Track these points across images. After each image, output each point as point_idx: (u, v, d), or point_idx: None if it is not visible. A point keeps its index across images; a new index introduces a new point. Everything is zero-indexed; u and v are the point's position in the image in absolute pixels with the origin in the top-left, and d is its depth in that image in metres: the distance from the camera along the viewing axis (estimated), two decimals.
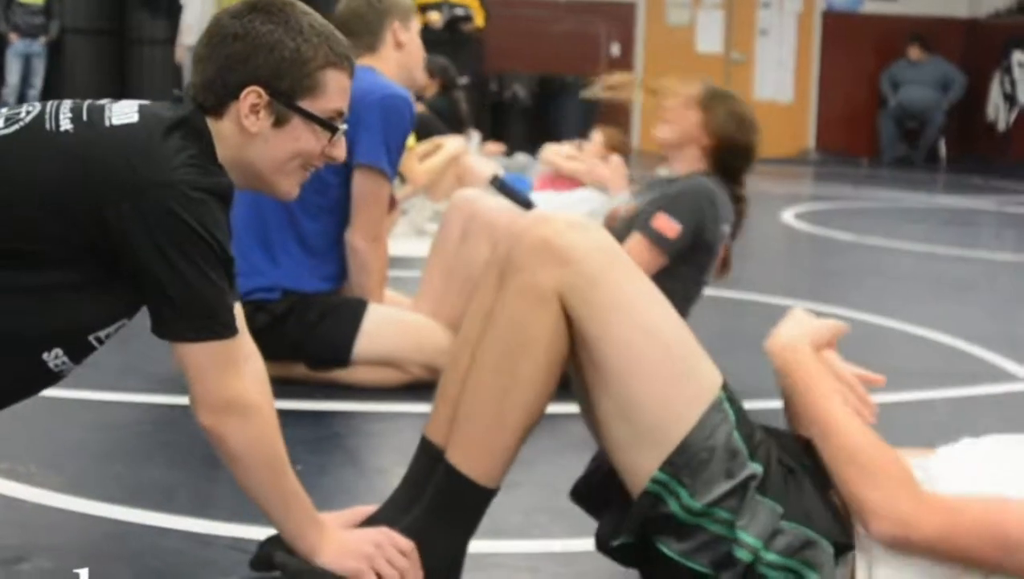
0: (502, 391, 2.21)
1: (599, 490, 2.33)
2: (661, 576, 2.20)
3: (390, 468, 3.26)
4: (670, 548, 2.14)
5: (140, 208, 2.07)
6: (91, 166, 2.10)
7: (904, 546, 2.09)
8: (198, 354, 2.14)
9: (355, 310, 3.92)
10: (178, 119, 2.17)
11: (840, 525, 2.15)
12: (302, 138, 2.25)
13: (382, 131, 3.90)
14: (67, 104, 2.21)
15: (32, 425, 2.75)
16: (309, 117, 2.24)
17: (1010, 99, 16.03)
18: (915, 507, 2.07)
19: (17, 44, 12.94)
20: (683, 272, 3.97)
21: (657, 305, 2.23)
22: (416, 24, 4.20)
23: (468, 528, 2.28)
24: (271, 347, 3.80)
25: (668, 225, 3.91)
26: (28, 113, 2.20)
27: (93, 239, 2.10)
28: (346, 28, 4.12)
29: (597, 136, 7.92)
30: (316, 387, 3.86)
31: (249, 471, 2.20)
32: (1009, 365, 4.53)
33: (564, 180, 7.97)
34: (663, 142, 4.10)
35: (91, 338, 2.21)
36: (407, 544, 2.25)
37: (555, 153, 7.84)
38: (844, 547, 2.14)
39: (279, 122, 2.23)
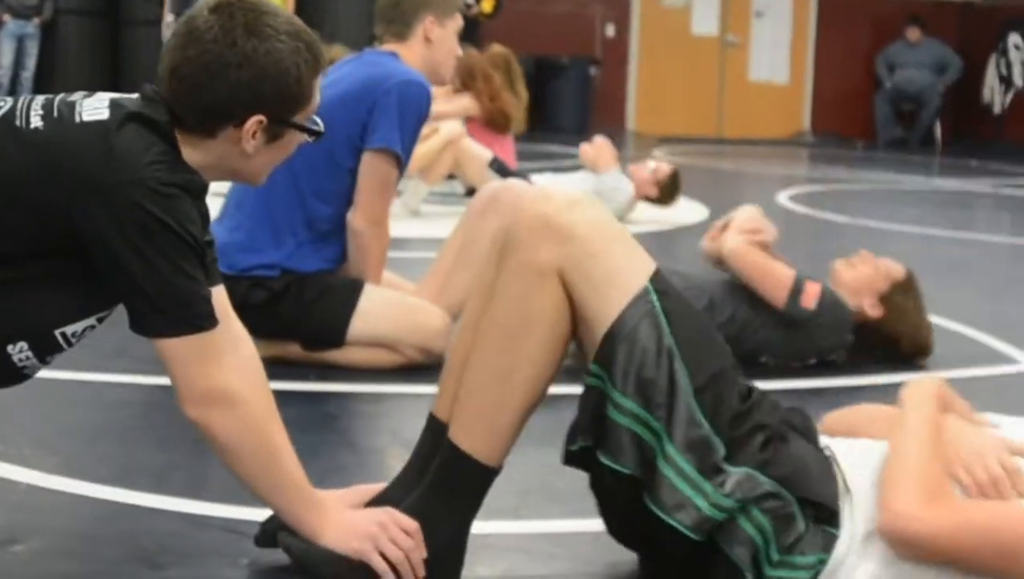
0: (504, 370, 2.20)
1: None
2: (659, 546, 2.17)
3: (383, 449, 3.25)
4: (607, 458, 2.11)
5: (110, 205, 2.05)
6: (60, 163, 2.08)
7: (906, 544, 2.05)
8: (178, 348, 2.12)
9: (351, 290, 3.90)
10: (149, 119, 2.14)
11: (826, 491, 2.15)
12: (291, 145, 2.28)
13: (398, 116, 3.87)
14: (39, 100, 2.18)
15: (24, 406, 2.73)
16: (301, 128, 2.25)
17: (1006, 81, 16.04)
18: (924, 504, 2.03)
19: (10, 25, 12.90)
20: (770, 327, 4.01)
21: None
22: (455, 23, 4.11)
23: (471, 507, 2.27)
24: (266, 324, 3.81)
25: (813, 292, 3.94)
26: None
27: (62, 235, 2.09)
28: (381, 13, 4.11)
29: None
30: (310, 368, 3.84)
31: (239, 461, 2.19)
32: (1005, 347, 4.52)
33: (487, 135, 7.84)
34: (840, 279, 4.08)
35: (57, 334, 2.19)
36: (411, 524, 2.24)
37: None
38: (815, 506, 2.12)
39: (274, 138, 2.23)
